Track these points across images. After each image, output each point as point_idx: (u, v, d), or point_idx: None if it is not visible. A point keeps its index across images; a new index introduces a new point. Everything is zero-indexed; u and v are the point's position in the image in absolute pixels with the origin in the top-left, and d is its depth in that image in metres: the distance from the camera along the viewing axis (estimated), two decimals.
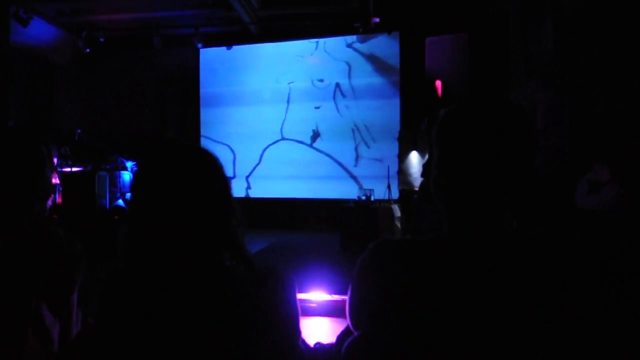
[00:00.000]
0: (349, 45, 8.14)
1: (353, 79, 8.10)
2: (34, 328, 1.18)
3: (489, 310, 0.83)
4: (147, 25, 8.36)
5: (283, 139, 8.39)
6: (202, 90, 8.91)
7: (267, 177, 8.35)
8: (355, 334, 1.02)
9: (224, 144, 8.66)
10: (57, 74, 8.69)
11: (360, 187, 7.27)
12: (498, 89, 5.02)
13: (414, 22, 7.30)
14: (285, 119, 8.37)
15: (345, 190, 7.72)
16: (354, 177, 7.97)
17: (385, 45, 7.92)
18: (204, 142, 8.75)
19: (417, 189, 5.49)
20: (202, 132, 8.85)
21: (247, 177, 8.47)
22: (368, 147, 7.93)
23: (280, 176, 8.24)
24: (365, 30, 7.52)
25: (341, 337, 1.36)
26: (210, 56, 8.81)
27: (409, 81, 7.56)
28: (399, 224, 5.86)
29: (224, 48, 8.74)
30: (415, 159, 5.95)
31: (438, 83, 5.32)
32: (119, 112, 9.10)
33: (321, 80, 8.18)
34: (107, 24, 8.32)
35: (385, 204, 6.10)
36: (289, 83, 8.36)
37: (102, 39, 8.48)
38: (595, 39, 3.13)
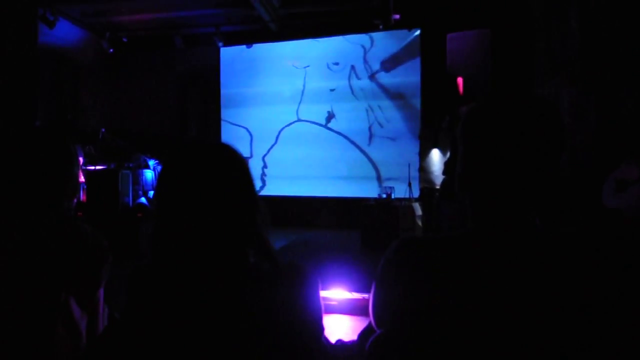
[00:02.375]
0: (368, 50, 8.12)
1: (372, 69, 8.09)
2: (63, 321, 1.21)
3: (515, 309, 0.82)
4: (169, 25, 8.47)
5: (299, 120, 8.45)
6: (222, 88, 8.98)
7: (282, 159, 8.47)
8: (378, 332, 1.02)
9: (241, 126, 8.77)
10: (81, 74, 8.87)
11: (380, 185, 7.24)
12: (521, 85, 4.94)
13: (435, 18, 7.22)
14: (300, 101, 8.45)
15: (361, 171, 7.88)
16: (368, 157, 8.02)
17: (404, 43, 7.86)
18: (222, 125, 8.93)
19: (438, 186, 5.44)
20: (223, 114, 9.01)
21: (264, 156, 8.59)
22: (381, 126, 7.97)
23: (295, 158, 8.38)
24: (385, 27, 7.48)
25: (363, 335, 1.36)
26: (230, 55, 8.88)
27: (429, 78, 7.49)
28: (420, 222, 5.81)
29: (244, 46, 8.79)
30: (436, 157, 5.89)
31: (459, 80, 5.26)
32: (141, 111, 9.24)
33: (336, 64, 8.20)
34: (130, 24, 8.45)
35: (406, 202, 6.06)
36: (304, 67, 8.38)
37: (125, 39, 8.63)
38: (622, 34, 3.05)
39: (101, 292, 1.35)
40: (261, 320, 0.92)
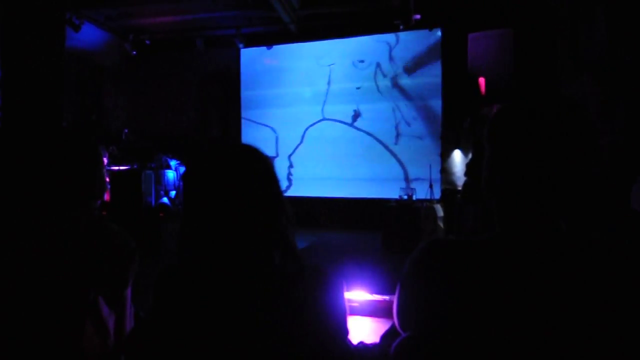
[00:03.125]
0: (393, 47, 8.08)
1: (398, 66, 8.05)
2: (92, 319, 1.24)
3: (543, 314, 0.81)
4: (190, 27, 8.57)
5: (324, 119, 8.44)
6: (243, 89, 9.04)
7: (308, 158, 8.48)
8: (403, 334, 1.01)
9: (266, 125, 8.79)
10: (105, 76, 9.04)
11: (408, 185, 7.18)
12: (545, 86, 4.86)
13: (456, 18, 7.15)
14: (325, 100, 8.43)
15: (386, 171, 7.81)
16: (394, 155, 7.95)
17: (426, 43, 7.80)
18: (245, 125, 8.96)
19: (460, 188, 5.39)
20: (244, 114, 9.03)
21: (290, 156, 8.59)
22: (409, 125, 7.90)
23: (321, 157, 8.36)
24: (406, 28, 7.43)
25: (385, 337, 1.35)
26: (250, 56, 8.93)
27: (450, 79, 7.42)
28: (441, 224, 5.76)
29: (264, 48, 8.84)
30: (458, 158, 5.84)
31: (481, 80, 5.20)
32: (163, 112, 9.37)
33: (362, 61, 8.16)
34: (153, 27, 8.57)
35: (427, 203, 6.01)
36: (329, 65, 8.37)
37: (147, 42, 8.77)
38: None
39: (128, 291, 1.37)
40: (286, 321, 0.93)
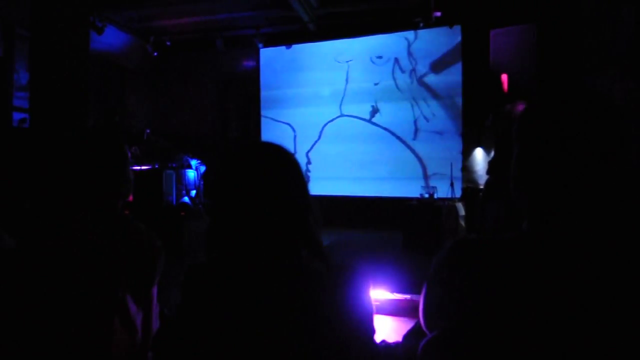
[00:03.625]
0: (411, 43, 8.03)
1: (417, 61, 8.00)
2: (120, 317, 1.26)
3: (576, 313, 0.79)
4: (210, 28, 8.65)
5: (342, 115, 8.43)
6: (262, 88, 9.08)
7: (325, 155, 8.47)
8: (429, 334, 1.00)
9: (284, 122, 8.83)
10: (127, 77, 9.19)
11: (426, 182, 7.11)
12: (569, 80, 4.76)
13: (477, 15, 7.07)
14: (344, 96, 8.42)
15: (404, 168, 7.79)
16: (414, 152, 7.91)
17: (446, 39, 7.72)
18: (264, 122, 9.00)
19: (482, 186, 5.33)
20: (263, 114, 9.08)
21: (307, 152, 8.62)
22: (427, 120, 7.86)
23: (338, 154, 8.35)
24: (426, 25, 7.37)
25: (409, 337, 1.34)
26: (270, 55, 8.97)
27: (471, 76, 7.32)
28: (463, 223, 5.70)
29: (283, 47, 8.87)
30: (480, 156, 5.76)
31: (504, 77, 5.12)
32: (184, 112, 9.47)
33: (380, 57, 8.14)
34: (173, 28, 8.68)
35: (449, 202, 5.94)
36: (347, 61, 8.37)
37: (168, 43, 8.87)
38: None
39: (155, 289, 1.39)
40: (313, 320, 0.93)
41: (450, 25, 7.55)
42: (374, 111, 8.21)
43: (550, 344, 0.79)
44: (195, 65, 9.46)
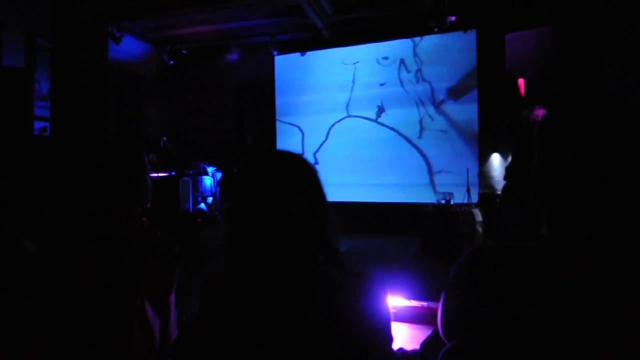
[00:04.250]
0: (417, 44, 8.02)
1: (422, 61, 8.01)
2: (139, 323, 1.27)
3: (598, 323, 0.78)
4: (226, 36, 8.73)
5: (348, 116, 8.49)
6: (277, 95, 9.14)
7: (333, 153, 8.53)
8: (449, 343, 0.99)
9: (293, 124, 8.92)
10: (144, 86, 9.32)
11: (437, 192, 7.08)
12: (589, 83, 4.68)
13: (492, 18, 7.02)
14: (350, 98, 8.48)
15: (412, 165, 7.83)
16: (418, 149, 7.95)
17: (461, 45, 7.68)
18: (286, 109, 9.09)
19: (499, 192, 5.26)
20: (278, 118, 9.22)
21: (315, 153, 8.70)
22: (432, 119, 7.89)
23: (345, 154, 8.42)
24: (440, 30, 7.34)
25: (427, 345, 1.32)
26: (284, 62, 9.03)
27: (487, 81, 7.27)
28: (480, 229, 5.63)
29: (298, 54, 8.91)
30: (497, 162, 5.69)
31: (520, 81, 5.06)
32: (200, 119, 9.56)
33: (385, 58, 8.20)
34: (189, 37, 8.78)
35: (465, 207, 5.88)
36: (354, 63, 8.40)
37: (184, 51, 8.98)
38: None
39: (173, 296, 1.40)
40: (332, 327, 0.92)
41: (465, 30, 7.51)
42: (380, 111, 8.24)
43: (573, 355, 0.78)
44: (211, 73, 9.55)
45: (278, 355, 0.92)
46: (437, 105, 7.84)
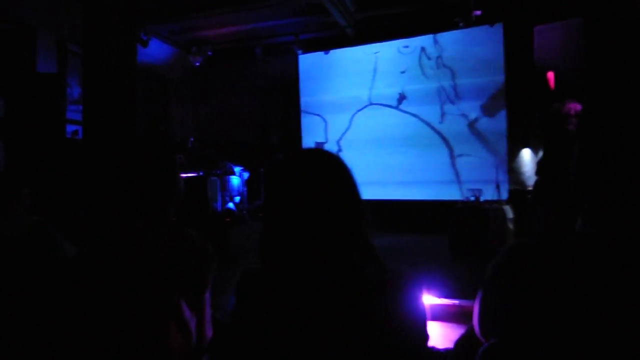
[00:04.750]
0: (434, 37, 7.94)
1: (443, 49, 7.94)
2: (176, 322, 1.29)
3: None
4: (250, 36, 8.80)
5: (371, 104, 8.50)
6: (302, 94, 9.17)
7: (356, 141, 8.55)
8: (485, 342, 0.98)
9: (316, 114, 8.96)
10: (170, 88, 9.48)
11: (466, 189, 6.98)
12: (622, 76, 4.54)
13: (519, 11, 6.87)
14: (372, 87, 8.48)
15: (432, 152, 7.80)
16: (439, 134, 7.92)
17: (488, 39, 7.54)
18: (310, 109, 9.10)
19: (530, 188, 5.15)
20: (303, 115, 9.26)
21: (338, 141, 8.73)
22: (453, 104, 7.84)
23: (368, 140, 8.41)
24: (466, 25, 7.22)
25: (461, 344, 1.30)
26: (308, 61, 9.04)
27: (515, 75, 7.11)
28: (511, 226, 5.51)
29: (321, 53, 8.92)
30: (527, 157, 5.56)
31: (550, 74, 4.94)
32: (226, 119, 9.66)
33: (406, 47, 8.18)
34: (214, 38, 8.89)
35: (496, 204, 5.76)
36: (374, 53, 8.38)
37: (210, 53, 9.09)
38: None
39: (208, 294, 1.41)
40: (368, 325, 0.92)
41: (492, 24, 7.38)
42: (401, 98, 8.23)
43: (620, 353, 0.76)
44: (236, 73, 9.64)
45: (315, 352, 0.93)
46: (457, 96, 7.77)
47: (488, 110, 7.47)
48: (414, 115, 8.14)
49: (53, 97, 5.21)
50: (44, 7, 6.35)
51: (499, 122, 7.31)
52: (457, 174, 7.64)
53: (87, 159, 2.90)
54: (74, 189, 4.48)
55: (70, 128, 6.29)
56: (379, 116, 8.43)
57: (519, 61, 6.81)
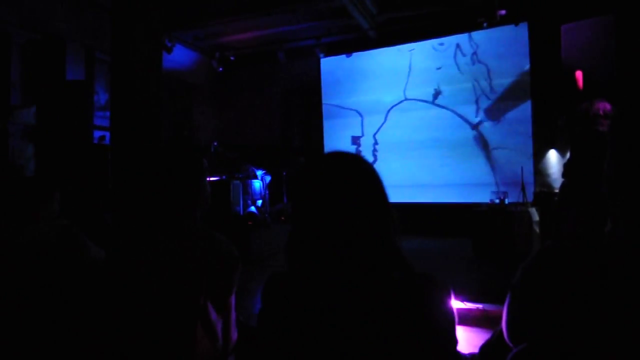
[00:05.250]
0: (469, 34, 7.85)
1: (478, 46, 7.87)
2: (202, 324, 1.31)
3: None
4: (272, 41, 8.87)
5: (406, 99, 8.48)
6: (324, 97, 9.17)
7: (392, 137, 8.55)
8: (513, 347, 0.96)
9: (351, 109, 8.97)
10: (194, 93, 9.61)
11: (491, 192, 6.88)
12: None
13: (545, 10, 6.74)
14: (407, 82, 8.46)
15: (466, 146, 7.76)
16: (474, 128, 7.87)
17: (513, 39, 7.42)
18: (333, 111, 9.11)
19: (557, 190, 5.03)
20: (325, 116, 9.30)
21: (374, 134, 8.72)
22: (488, 98, 7.76)
23: (404, 137, 8.41)
24: (490, 25, 7.12)
25: (487, 349, 1.28)
26: (331, 65, 9.05)
27: (541, 75, 6.98)
28: (537, 229, 5.39)
29: (343, 56, 8.92)
30: (554, 158, 5.43)
31: (578, 74, 4.82)
32: (249, 124, 9.75)
33: (442, 44, 8.13)
34: (237, 43, 8.98)
35: (521, 207, 5.65)
36: (409, 50, 8.36)
37: (232, 58, 9.19)
38: None
39: (233, 297, 1.43)
40: (397, 330, 0.91)
41: (516, 23, 7.26)
42: (437, 94, 8.18)
43: None
44: (258, 78, 9.72)
45: (342, 357, 0.92)
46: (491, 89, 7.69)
47: (513, 110, 7.36)
48: (450, 110, 8.10)
49: (81, 103, 5.34)
50: (73, 18, 6.53)
51: (523, 123, 7.20)
52: (492, 172, 7.57)
53: (115, 164, 2.96)
54: (100, 194, 4.58)
55: (97, 134, 6.44)
56: (413, 113, 8.44)
57: (545, 60, 6.67)
